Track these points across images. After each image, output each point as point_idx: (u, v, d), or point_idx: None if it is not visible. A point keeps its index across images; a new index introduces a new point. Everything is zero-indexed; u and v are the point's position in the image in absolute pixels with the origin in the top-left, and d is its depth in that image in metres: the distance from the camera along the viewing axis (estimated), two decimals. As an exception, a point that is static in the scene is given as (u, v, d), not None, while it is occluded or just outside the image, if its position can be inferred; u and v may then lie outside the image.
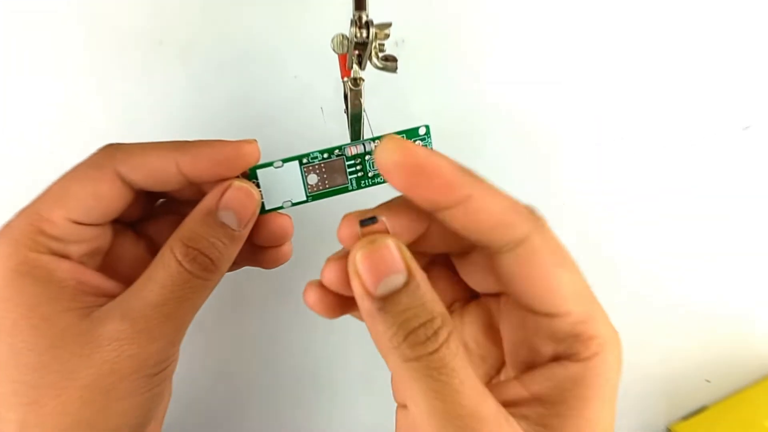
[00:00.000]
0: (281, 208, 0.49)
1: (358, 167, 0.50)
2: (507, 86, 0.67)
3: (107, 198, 0.44)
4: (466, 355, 0.36)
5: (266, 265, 0.52)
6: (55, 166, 0.61)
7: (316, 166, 0.49)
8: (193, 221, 0.45)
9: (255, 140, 0.46)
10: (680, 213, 0.68)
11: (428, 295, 0.36)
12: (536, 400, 0.38)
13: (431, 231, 0.42)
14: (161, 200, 0.53)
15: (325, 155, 0.49)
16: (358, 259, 0.37)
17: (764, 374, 0.68)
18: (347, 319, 0.63)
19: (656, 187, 0.68)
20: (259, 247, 0.51)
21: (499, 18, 0.67)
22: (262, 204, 0.48)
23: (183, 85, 0.65)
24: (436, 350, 0.35)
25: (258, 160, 0.47)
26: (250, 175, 0.47)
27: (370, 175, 0.50)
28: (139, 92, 0.65)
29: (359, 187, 0.50)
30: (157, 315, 0.42)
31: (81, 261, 0.45)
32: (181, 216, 0.48)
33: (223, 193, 0.45)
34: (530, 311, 0.39)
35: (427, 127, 0.50)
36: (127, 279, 0.45)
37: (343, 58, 0.52)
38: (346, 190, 0.50)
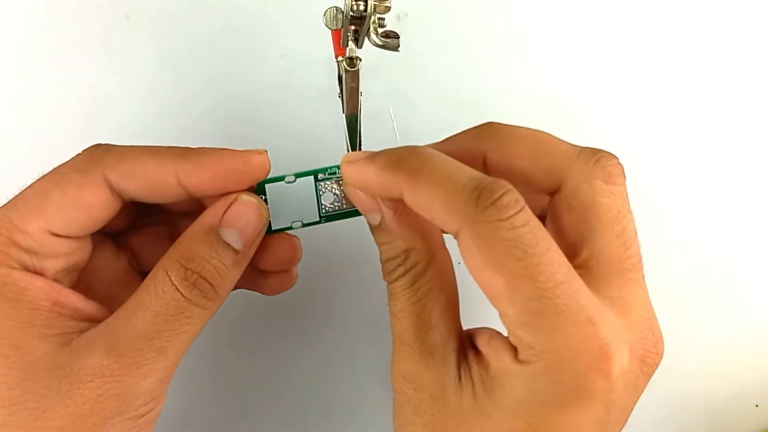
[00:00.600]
0: (290, 228, 0.45)
1: None
2: (517, 66, 0.65)
3: (92, 208, 0.40)
4: (427, 287, 0.40)
5: (267, 291, 0.49)
6: (10, 158, 0.59)
7: (334, 184, 0.45)
8: (191, 239, 0.41)
9: (265, 150, 0.43)
10: (719, 228, 0.66)
11: (396, 234, 0.40)
12: (485, 364, 0.38)
13: None
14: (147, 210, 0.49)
15: None
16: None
17: None
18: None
19: (668, 187, 0.66)
20: (262, 271, 0.47)
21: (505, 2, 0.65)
22: (269, 223, 0.44)
23: (153, 65, 0.63)
24: (391, 282, 0.40)
25: (268, 173, 0.43)
26: (258, 190, 0.44)
27: None
28: (104, 73, 0.62)
29: None
30: (148, 348, 0.38)
31: (56, 278, 0.41)
32: (171, 228, 0.47)
33: (227, 208, 0.41)
34: None
35: None
36: (104, 298, 0.43)
37: (337, 35, 0.49)
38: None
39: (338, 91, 0.50)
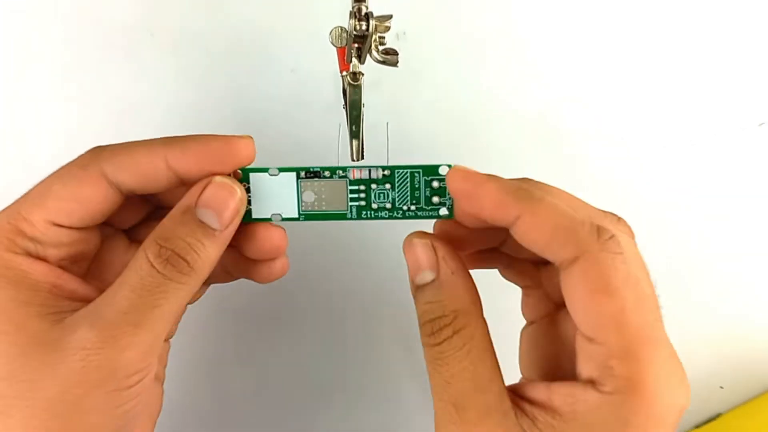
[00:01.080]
0: (269, 220, 0.46)
1: (362, 195, 0.46)
2: (513, 81, 0.66)
3: (90, 200, 0.42)
4: (476, 350, 0.40)
5: (259, 279, 0.49)
6: (44, 162, 0.62)
7: (315, 184, 0.45)
8: (169, 219, 0.42)
9: (250, 137, 0.44)
10: (697, 213, 0.68)
11: (448, 293, 0.41)
12: (552, 410, 0.39)
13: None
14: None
15: (327, 173, 0.45)
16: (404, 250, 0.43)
17: None
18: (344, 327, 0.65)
19: (668, 187, 0.67)
20: (251, 259, 0.48)
21: (504, 9, 0.66)
22: (249, 211, 0.45)
23: (175, 78, 0.64)
24: (438, 343, 0.40)
25: (252, 159, 0.44)
26: (242, 178, 0.45)
27: (374, 207, 0.46)
28: (129, 86, 0.64)
29: (359, 217, 0.46)
30: (125, 323, 0.39)
31: (61, 265, 0.43)
32: None
33: (203, 189, 0.42)
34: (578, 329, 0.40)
35: (449, 166, 0.44)
36: None
37: (341, 52, 0.51)
38: (343, 217, 0.46)
39: (343, 102, 0.53)
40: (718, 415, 0.66)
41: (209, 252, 0.42)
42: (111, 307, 0.39)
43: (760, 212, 0.67)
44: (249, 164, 0.44)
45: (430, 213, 0.46)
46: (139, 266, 0.40)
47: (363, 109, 0.52)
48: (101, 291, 0.42)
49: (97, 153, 0.42)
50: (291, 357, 0.67)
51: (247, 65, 0.65)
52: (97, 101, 0.64)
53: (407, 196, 0.46)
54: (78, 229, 0.43)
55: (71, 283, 0.42)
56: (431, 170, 0.45)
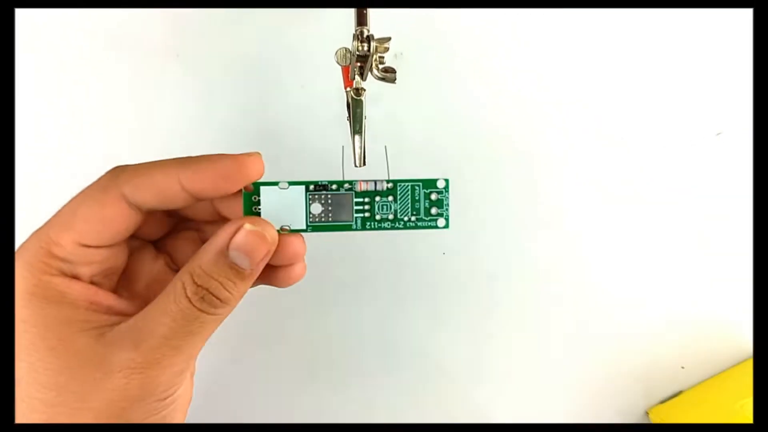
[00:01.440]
0: (279, 231, 0.46)
1: (366, 207, 0.47)
2: (496, 98, 0.70)
3: (114, 221, 0.43)
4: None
5: (278, 284, 0.49)
6: (81, 176, 0.63)
7: (323, 197, 0.46)
8: (203, 259, 0.43)
9: (258, 153, 0.45)
10: (657, 213, 0.71)
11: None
12: None
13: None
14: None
15: (334, 187, 0.46)
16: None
17: (735, 361, 0.71)
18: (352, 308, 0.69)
19: (629, 189, 0.71)
20: (270, 266, 0.48)
21: (492, 34, 0.70)
22: None
23: (198, 95, 0.68)
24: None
25: (261, 174, 0.45)
26: (254, 192, 0.45)
27: (377, 218, 0.47)
28: (155, 103, 0.68)
29: (363, 228, 0.47)
30: (167, 347, 0.42)
31: (94, 281, 0.44)
32: (200, 233, 0.49)
33: (234, 234, 0.43)
34: None
35: (446, 180, 0.47)
36: (144, 296, 0.46)
37: (346, 70, 0.55)
38: (348, 228, 0.47)
39: (347, 115, 0.56)
40: (679, 392, 0.70)
41: (241, 289, 0.44)
42: (153, 332, 0.41)
43: (723, 212, 0.70)
44: (259, 178, 0.45)
45: (429, 223, 0.47)
46: (178, 299, 0.42)
47: (365, 121, 0.54)
48: (133, 302, 0.45)
49: (116, 174, 0.43)
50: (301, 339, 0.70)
51: (263, 83, 0.68)
52: (127, 118, 0.67)
53: (408, 208, 0.47)
54: (106, 247, 0.44)
55: (106, 299, 0.44)
56: (430, 184, 0.47)
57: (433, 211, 0.47)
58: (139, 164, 0.44)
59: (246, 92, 0.68)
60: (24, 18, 0.67)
